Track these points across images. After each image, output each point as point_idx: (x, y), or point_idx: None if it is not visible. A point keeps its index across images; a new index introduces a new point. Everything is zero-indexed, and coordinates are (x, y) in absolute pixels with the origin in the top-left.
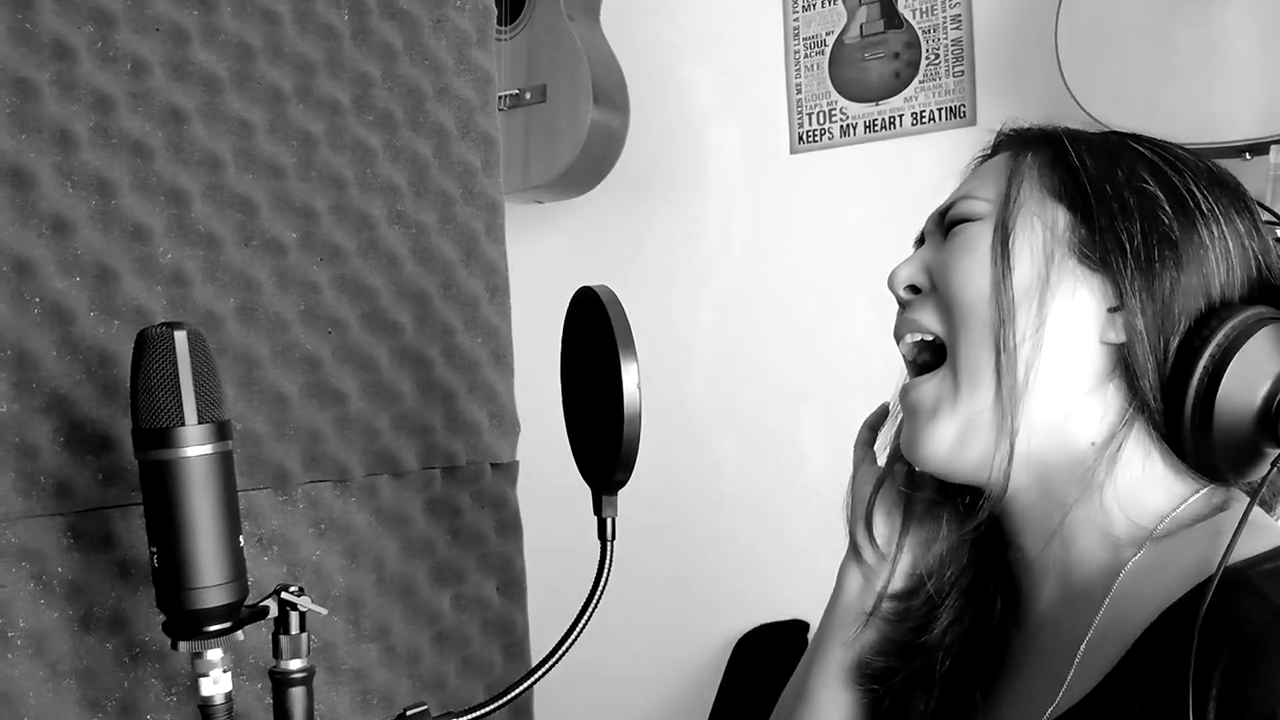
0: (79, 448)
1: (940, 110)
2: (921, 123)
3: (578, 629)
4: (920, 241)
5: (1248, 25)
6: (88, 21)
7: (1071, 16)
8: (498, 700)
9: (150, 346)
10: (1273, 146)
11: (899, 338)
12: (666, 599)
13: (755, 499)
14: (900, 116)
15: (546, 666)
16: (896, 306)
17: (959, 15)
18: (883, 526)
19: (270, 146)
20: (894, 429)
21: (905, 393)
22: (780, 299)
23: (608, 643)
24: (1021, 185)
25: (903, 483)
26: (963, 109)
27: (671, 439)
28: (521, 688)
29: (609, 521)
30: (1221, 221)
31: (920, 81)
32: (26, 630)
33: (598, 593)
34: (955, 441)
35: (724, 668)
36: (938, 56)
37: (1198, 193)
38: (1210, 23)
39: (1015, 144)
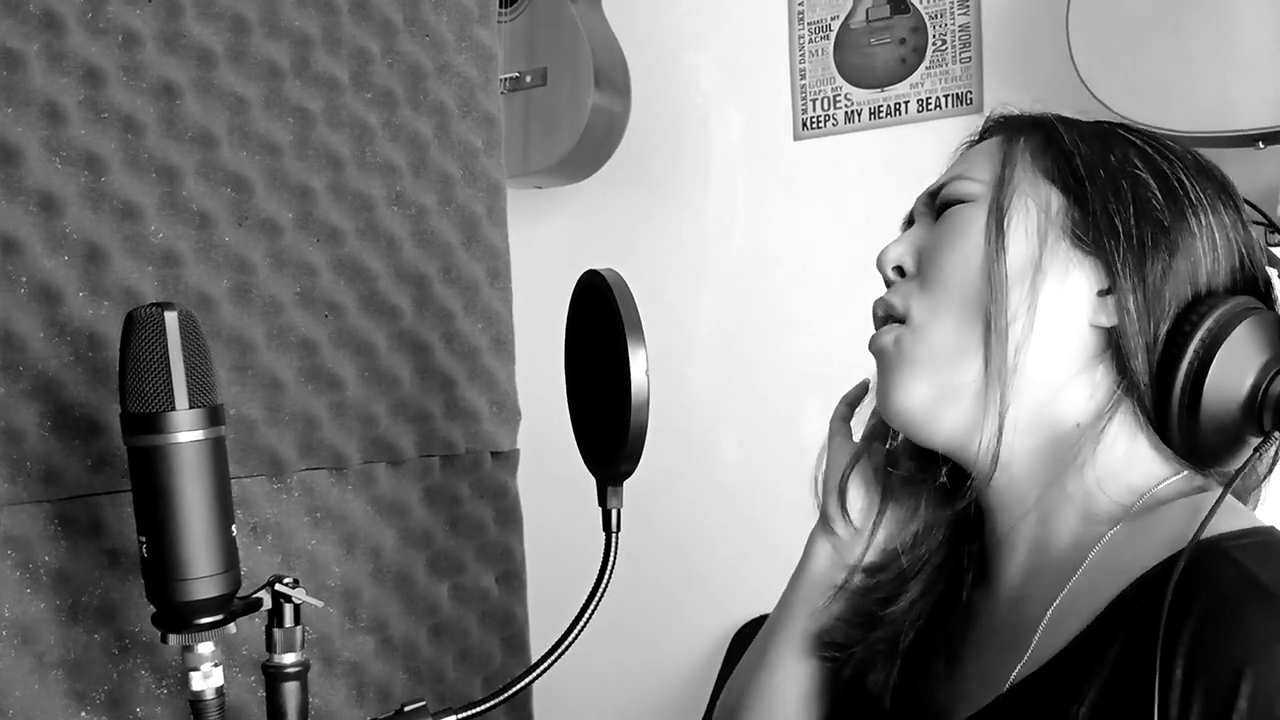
0: (67, 432)
1: (946, 97)
2: (927, 109)
3: (581, 623)
4: (909, 223)
5: (1263, 12)
6: None
7: (1084, 2)
8: (498, 696)
9: (139, 328)
10: None
11: (876, 317)
12: (665, 590)
13: (755, 489)
14: (906, 103)
15: (549, 662)
16: None
17: (967, 0)
18: (858, 500)
19: (265, 123)
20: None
21: (871, 342)
22: (782, 287)
23: (606, 633)
24: (1015, 168)
25: (881, 462)
26: (969, 96)
27: (671, 429)
28: (524, 683)
29: (614, 513)
30: (1209, 211)
31: (927, 68)
32: (12, 620)
33: (602, 586)
34: (931, 401)
35: (722, 659)
36: (944, 42)
37: (1187, 182)
38: (1225, 9)
39: (1007, 129)
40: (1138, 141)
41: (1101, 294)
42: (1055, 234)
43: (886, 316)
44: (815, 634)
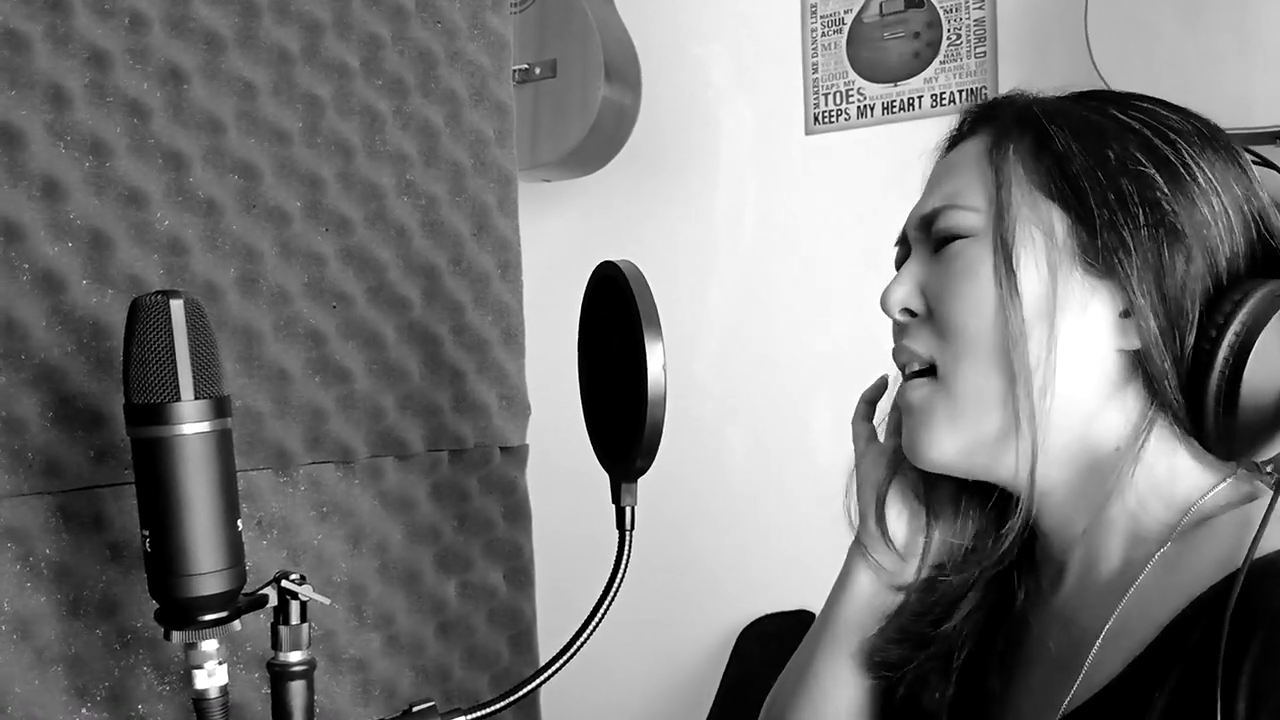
0: (69, 423)
1: (961, 92)
2: (941, 105)
3: (594, 623)
4: (902, 241)
5: None
6: None
7: None
8: (509, 697)
9: (144, 316)
10: None
11: (899, 364)
12: (672, 586)
13: (762, 487)
14: (919, 98)
15: (560, 663)
16: None
17: None
18: (901, 525)
19: (274, 109)
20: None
21: (900, 393)
22: (792, 283)
23: (613, 630)
24: (1011, 190)
25: (918, 474)
26: (984, 91)
27: (678, 425)
28: (535, 684)
29: (628, 510)
30: (1220, 191)
31: (941, 62)
32: (12, 614)
33: (615, 586)
34: (960, 453)
35: (728, 656)
36: (959, 37)
37: (1193, 164)
38: (1245, 3)
39: (990, 128)
40: (1135, 124)
41: (1123, 316)
42: (1067, 263)
43: (911, 366)
44: (867, 654)
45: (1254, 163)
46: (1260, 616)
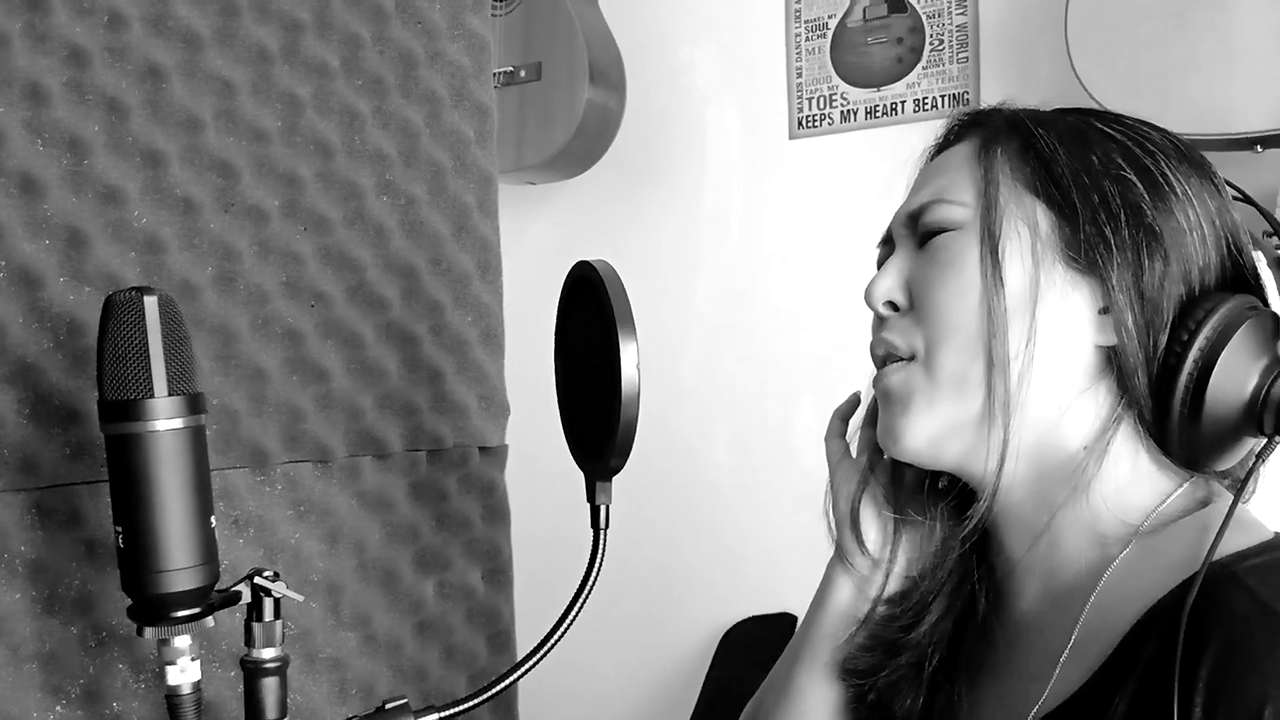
0: (45, 420)
1: (943, 97)
2: (924, 110)
3: (568, 621)
4: (886, 241)
5: (1264, 15)
6: None
7: (1083, 3)
8: (482, 694)
9: (118, 312)
10: None
11: (876, 356)
12: (653, 589)
13: (746, 490)
14: (902, 103)
15: (534, 660)
16: None
17: (965, 0)
18: (873, 532)
19: (253, 108)
20: (866, 418)
21: (877, 381)
22: (776, 287)
23: (593, 632)
24: (998, 187)
25: (888, 482)
26: (966, 96)
27: (662, 427)
28: (508, 681)
29: (603, 509)
30: (1195, 203)
31: (923, 67)
32: None
33: (589, 584)
34: (935, 438)
35: (710, 659)
36: (942, 42)
37: (1171, 175)
38: (1225, 11)
39: (978, 132)
40: (1117, 135)
41: (1102, 312)
42: (1050, 257)
43: (888, 356)
44: (840, 662)
45: (1235, 198)
46: (1215, 621)
